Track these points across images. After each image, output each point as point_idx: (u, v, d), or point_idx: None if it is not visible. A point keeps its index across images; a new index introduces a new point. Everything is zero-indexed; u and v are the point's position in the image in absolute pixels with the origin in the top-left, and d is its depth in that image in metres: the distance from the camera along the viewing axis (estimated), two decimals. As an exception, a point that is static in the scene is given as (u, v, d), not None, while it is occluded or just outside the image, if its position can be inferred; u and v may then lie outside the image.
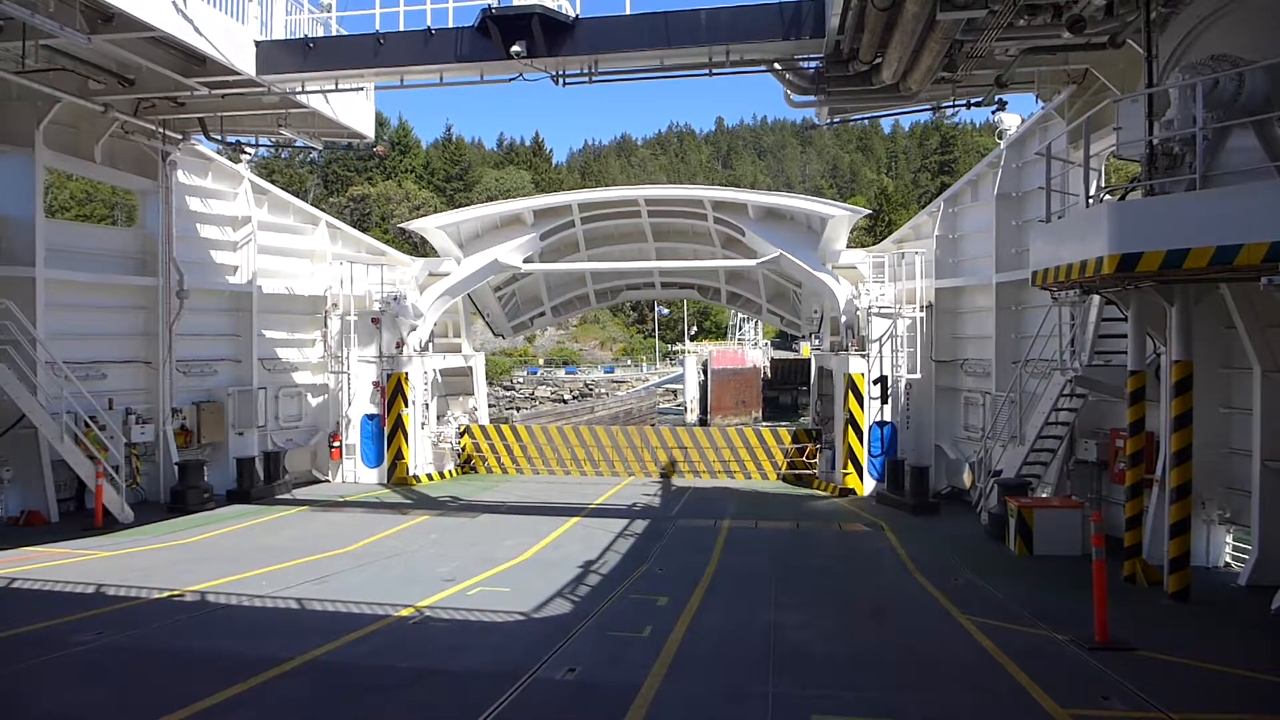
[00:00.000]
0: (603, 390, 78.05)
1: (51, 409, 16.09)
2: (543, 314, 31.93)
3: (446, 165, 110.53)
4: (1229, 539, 13.57)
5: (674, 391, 79.17)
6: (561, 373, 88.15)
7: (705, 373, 70.33)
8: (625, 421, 56.92)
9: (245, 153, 20.91)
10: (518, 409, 66.44)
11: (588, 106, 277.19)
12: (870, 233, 73.63)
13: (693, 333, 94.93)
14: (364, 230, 49.46)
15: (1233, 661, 8.93)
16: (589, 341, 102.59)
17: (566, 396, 75.00)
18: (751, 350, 76.33)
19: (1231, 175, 10.00)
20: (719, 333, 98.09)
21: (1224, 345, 12.85)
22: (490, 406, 79.07)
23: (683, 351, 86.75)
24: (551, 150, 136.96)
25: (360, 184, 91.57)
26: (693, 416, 69.31)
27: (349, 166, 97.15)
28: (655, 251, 28.26)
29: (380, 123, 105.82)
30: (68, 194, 56.99)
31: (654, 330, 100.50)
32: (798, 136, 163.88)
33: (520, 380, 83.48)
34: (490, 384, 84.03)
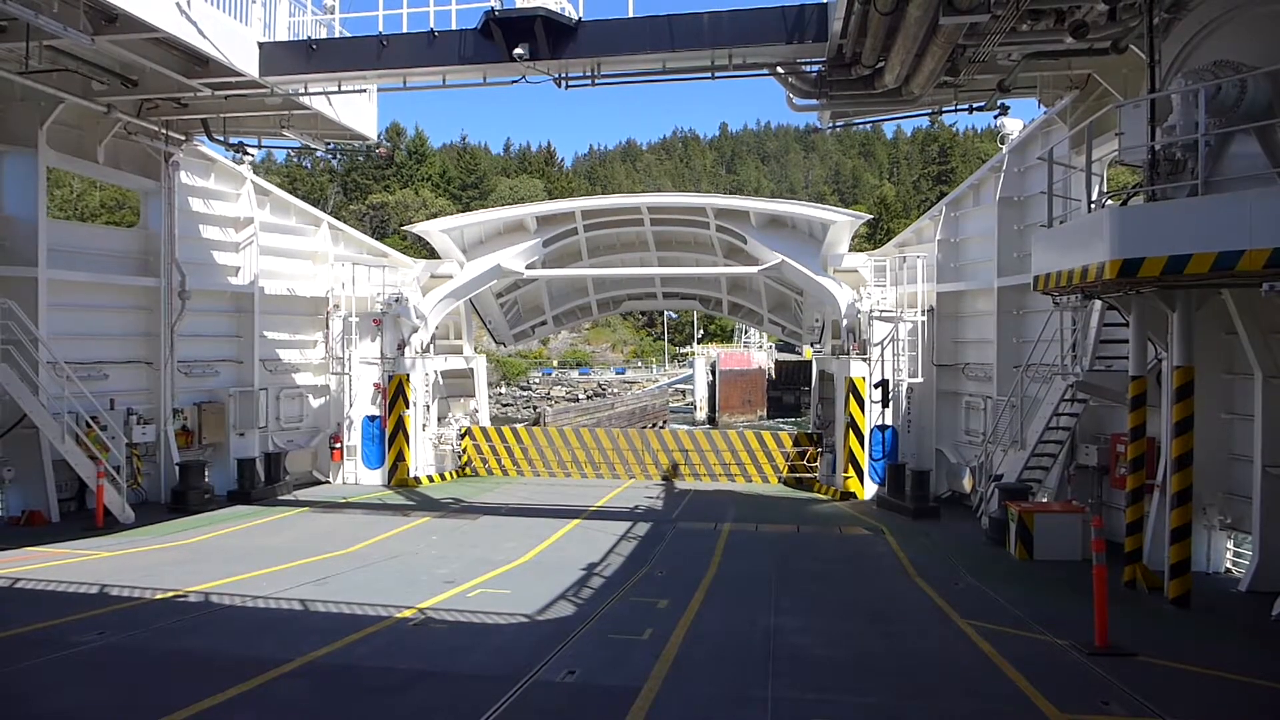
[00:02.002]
0: (615, 390, 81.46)
1: (53, 409, 16.11)
2: (544, 323, 31.89)
3: (462, 174, 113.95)
4: (1230, 544, 13.55)
5: (683, 391, 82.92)
6: (575, 374, 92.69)
7: (713, 374, 74.23)
8: (640, 417, 59.83)
9: (248, 154, 20.94)
10: (535, 408, 71.23)
11: (593, 111, 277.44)
12: (870, 240, 74.17)
13: (699, 335, 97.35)
14: (383, 237, 49.89)
15: (1233, 667, 8.93)
16: (601, 344, 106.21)
17: (580, 396, 78.89)
18: (757, 352, 79.19)
19: (1233, 181, 10.02)
20: (725, 335, 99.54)
21: (1225, 351, 12.84)
22: (507, 406, 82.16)
23: (691, 354, 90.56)
24: (563, 160, 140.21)
25: (379, 192, 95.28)
26: (701, 415, 73.37)
27: (368, 175, 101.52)
28: (658, 261, 28.29)
29: (397, 132, 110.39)
30: (98, 201, 57.36)
31: (663, 333, 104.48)
32: (800, 142, 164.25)
33: (536, 381, 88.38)
34: (508, 384, 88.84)
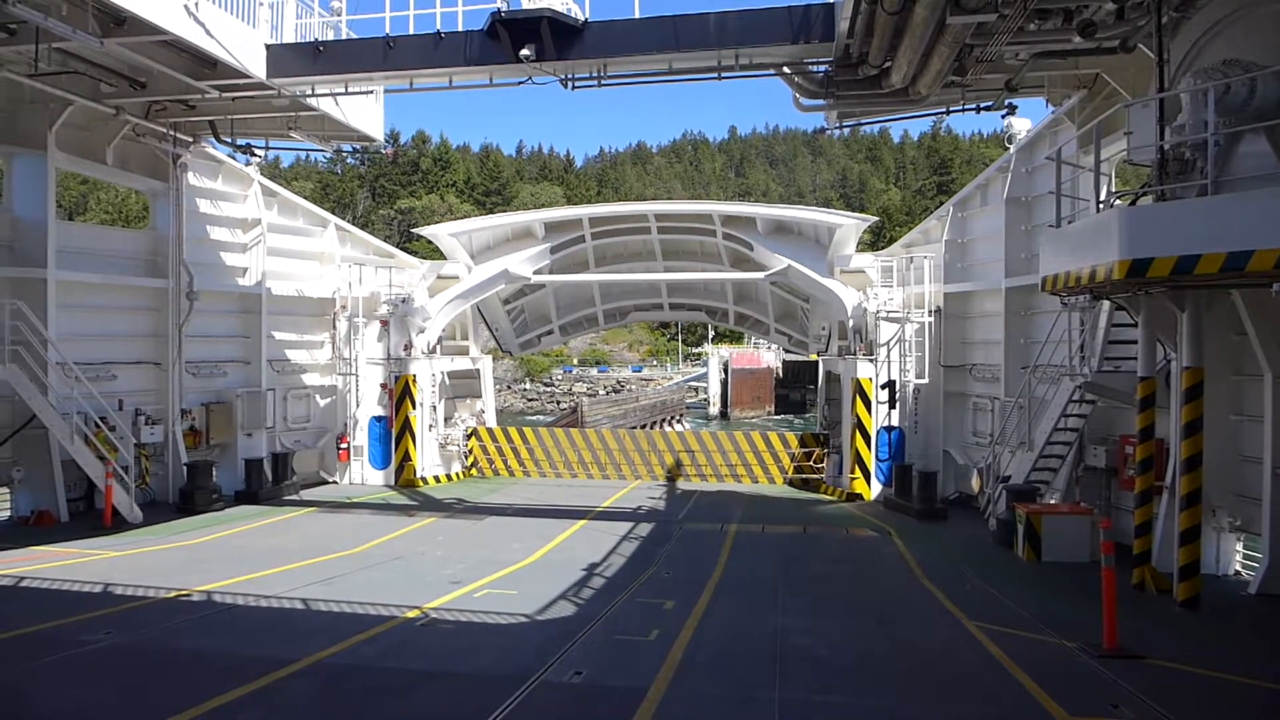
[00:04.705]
0: (632, 386, 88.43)
1: (62, 409, 16.16)
2: (551, 332, 31.86)
3: (485, 180, 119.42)
4: (1239, 547, 13.48)
5: (696, 388, 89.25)
6: (595, 371, 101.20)
7: (725, 372, 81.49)
8: (661, 410, 64.72)
9: (255, 155, 21.00)
10: (559, 403, 79.84)
11: (603, 113, 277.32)
12: (873, 248, 74.83)
13: (712, 336, 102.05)
14: (410, 240, 50.32)
15: (1242, 670, 8.88)
16: (618, 344, 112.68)
17: (600, 392, 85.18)
18: (765, 352, 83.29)
19: (1243, 181, 9.96)
20: (736, 336, 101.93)
21: (1235, 352, 12.77)
22: (532, 400, 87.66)
23: (704, 354, 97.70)
24: (581, 168, 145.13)
25: (406, 197, 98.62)
26: (715, 410, 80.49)
27: (396, 181, 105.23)
28: (664, 270, 28.30)
29: (423, 139, 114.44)
30: (141, 204, 58.31)
31: (677, 334, 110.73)
32: (808, 146, 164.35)
33: (558, 377, 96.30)
34: (531, 380, 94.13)
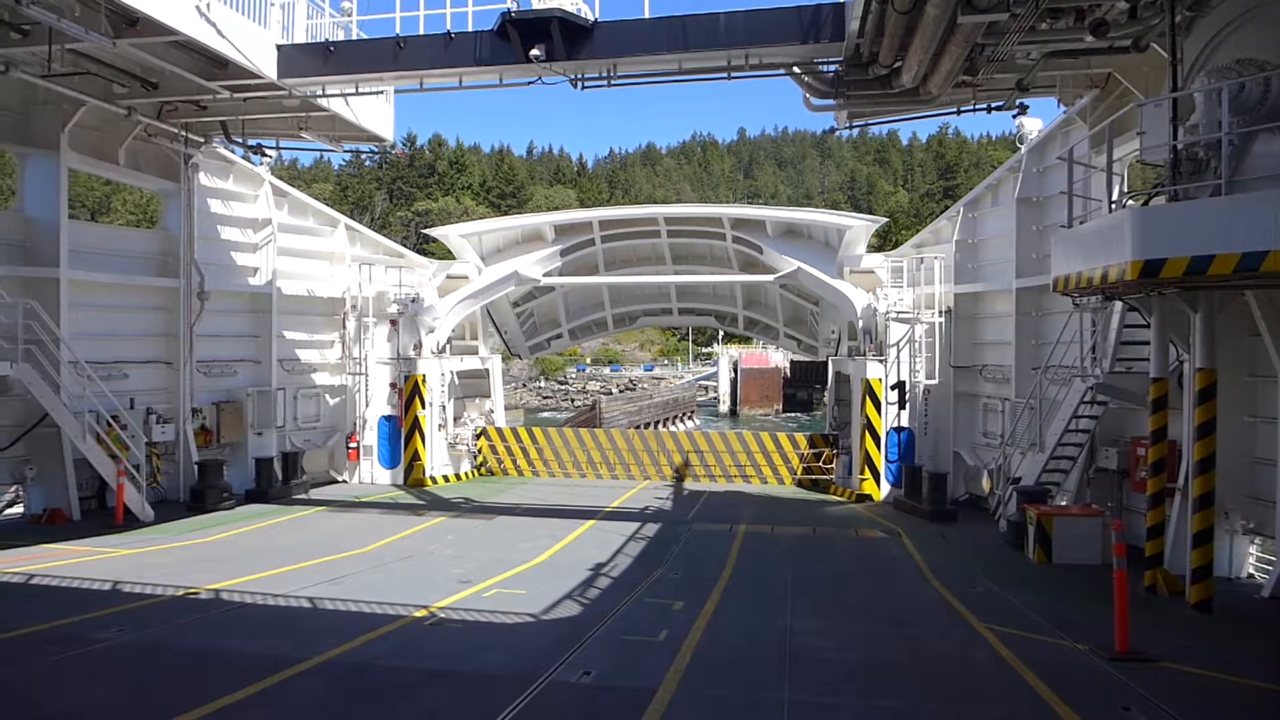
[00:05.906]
0: (644, 385, 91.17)
1: (74, 408, 16.28)
2: (560, 336, 31.87)
3: (500, 183, 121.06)
4: (1252, 549, 13.37)
5: (707, 387, 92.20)
6: (607, 370, 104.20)
7: (735, 371, 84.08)
8: (674, 407, 66.79)
9: (266, 155, 21.08)
10: (572, 399, 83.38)
11: (612, 114, 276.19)
12: (878, 251, 75.12)
13: (721, 336, 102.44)
14: (428, 242, 50.90)
15: (1254, 673, 8.82)
16: (630, 343, 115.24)
17: (613, 390, 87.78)
18: (774, 353, 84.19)
19: (1257, 181, 9.87)
20: (745, 336, 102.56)
21: (1249, 353, 12.67)
22: (547, 399, 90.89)
23: (714, 354, 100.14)
24: (592, 169, 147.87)
25: (423, 199, 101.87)
26: (724, 408, 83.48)
27: (412, 183, 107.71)
28: (674, 273, 28.28)
29: (439, 142, 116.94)
30: None
31: (687, 334, 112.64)
32: (817, 148, 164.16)
33: (572, 376, 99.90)
34: (546, 379, 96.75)
